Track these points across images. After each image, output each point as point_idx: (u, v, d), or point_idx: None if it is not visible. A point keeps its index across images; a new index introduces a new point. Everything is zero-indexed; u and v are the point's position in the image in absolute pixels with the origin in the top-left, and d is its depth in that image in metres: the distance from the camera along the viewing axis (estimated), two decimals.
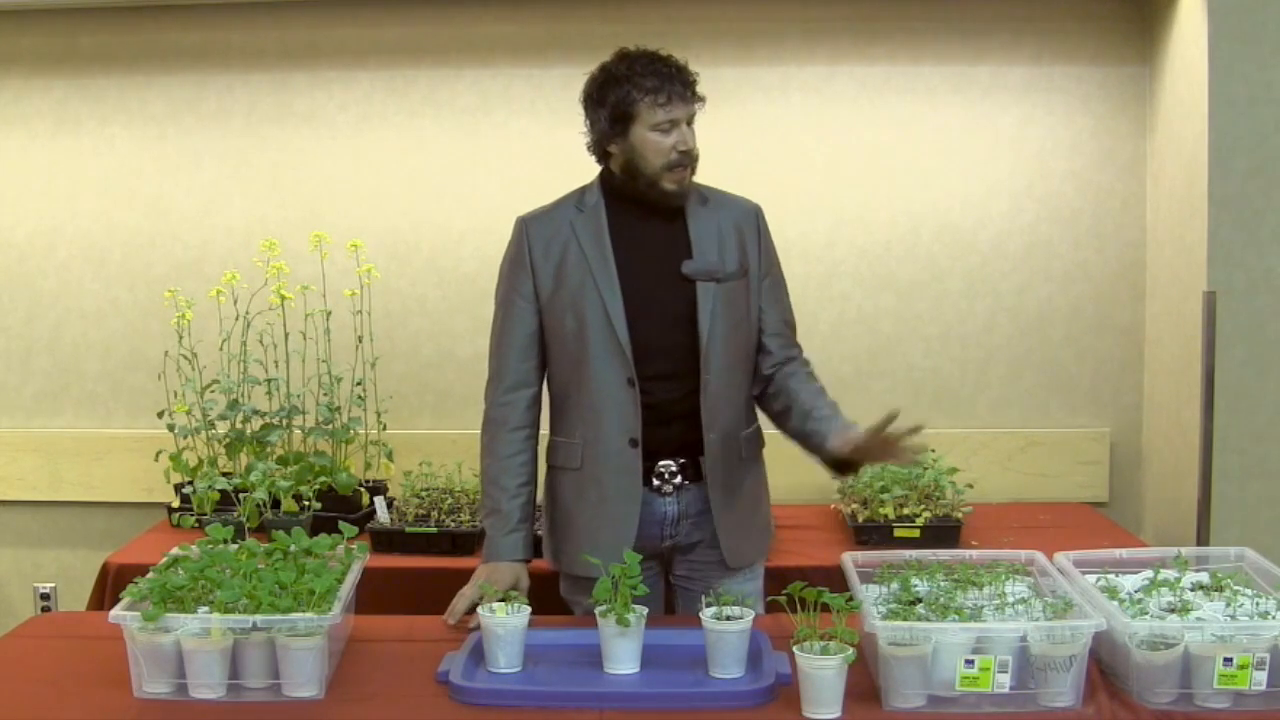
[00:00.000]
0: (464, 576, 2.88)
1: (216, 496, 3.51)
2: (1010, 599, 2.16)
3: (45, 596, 4.04)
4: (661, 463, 2.50)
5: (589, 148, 2.52)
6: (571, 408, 2.53)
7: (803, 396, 2.51)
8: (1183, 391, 3.44)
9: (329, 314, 3.69)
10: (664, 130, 2.41)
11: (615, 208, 2.50)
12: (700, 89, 2.46)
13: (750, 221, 2.56)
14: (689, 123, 2.44)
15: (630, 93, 2.40)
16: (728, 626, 2.12)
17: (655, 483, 2.50)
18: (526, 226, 2.54)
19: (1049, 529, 3.46)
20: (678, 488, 2.51)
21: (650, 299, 2.47)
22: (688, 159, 2.44)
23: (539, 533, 2.65)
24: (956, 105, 3.80)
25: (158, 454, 3.64)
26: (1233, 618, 2.07)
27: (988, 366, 3.88)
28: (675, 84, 2.41)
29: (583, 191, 2.55)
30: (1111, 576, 2.28)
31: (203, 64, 3.89)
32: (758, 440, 2.63)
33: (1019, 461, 3.84)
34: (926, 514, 3.32)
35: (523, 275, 2.53)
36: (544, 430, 2.64)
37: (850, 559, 2.34)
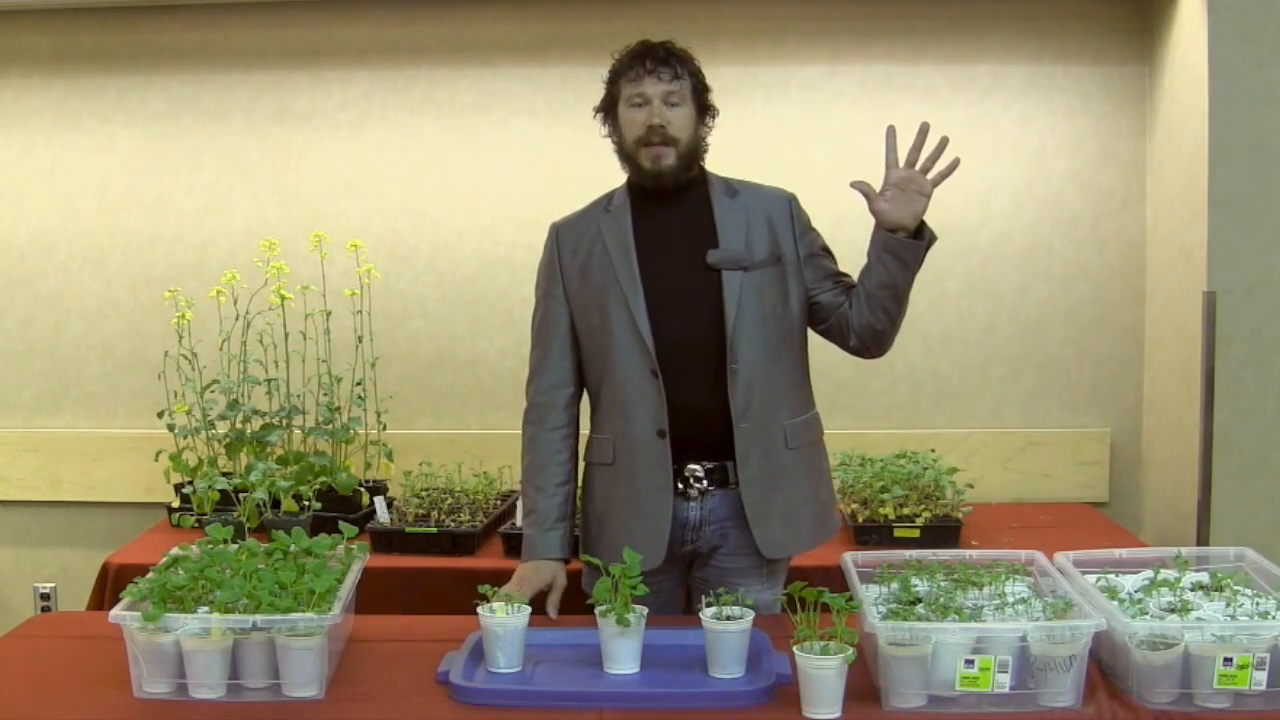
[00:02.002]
0: (464, 576, 2.89)
1: (216, 496, 3.51)
2: (1010, 599, 2.16)
3: (45, 596, 4.04)
4: (690, 466, 2.50)
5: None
6: (603, 403, 2.55)
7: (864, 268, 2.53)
8: (1183, 391, 3.44)
9: (329, 314, 3.69)
10: (636, 105, 2.46)
11: (640, 205, 2.53)
12: (687, 80, 2.47)
13: (782, 209, 2.56)
14: (666, 102, 2.44)
15: (615, 73, 2.50)
16: (727, 626, 2.12)
17: (680, 486, 2.50)
18: (557, 232, 2.60)
19: (1049, 529, 3.46)
20: (703, 493, 2.51)
21: (673, 291, 2.48)
22: (656, 135, 2.44)
23: (578, 533, 2.65)
24: (957, 105, 3.80)
25: (158, 454, 3.64)
26: (1233, 618, 2.07)
27: (988, 367, 3.88)
28: (646, 61, 2.45)
29: (611, 194, 2.59)
30: (1111, 576, 2.28)
31: (203, 64, 3.89)
32: (809, 429, 2.59)
33: (1019, 461, 3.84)
34: (926, 514, 3.32)
35: (554, 279, 2.57)
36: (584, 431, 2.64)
37: (850, 559, 2.34)
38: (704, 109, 2.53)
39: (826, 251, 2.62)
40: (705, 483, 2.50)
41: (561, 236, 2.58)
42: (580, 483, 2.63)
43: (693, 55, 2.52)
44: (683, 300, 2.48)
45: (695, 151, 2.51)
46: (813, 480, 2.60)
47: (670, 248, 2.50)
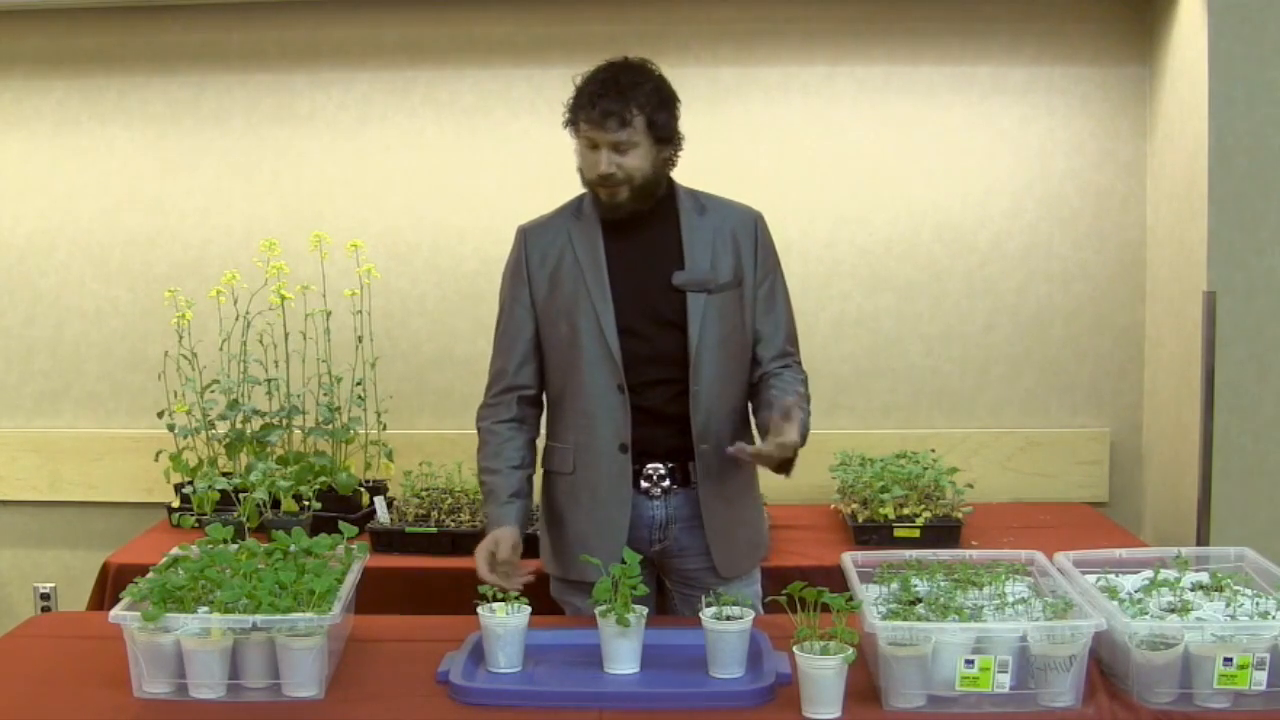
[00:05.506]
0: (464, 576, 2.88)
1: (216, 496, 3.51)
2: (1010, 599, 2.16)
3: (45, 596, 4.04)
4: (650, 465, 2.50)
5: None
6: (565, 413, 2.55)
7: (772, 393, 2.47)
8: (1183, 391, 3.44)
9: (329, 314, 3.69)
10: (589, 147, 2.42)
11: (610, 215, 2.51)
12: (638, 121, 2.38)
13: (748, 229, 2.54)
14: (616, 149, 2.38)
15: (574, 101, 2.44)
16: (728, 626, 2.12)
17: (643, 485, 2.50)
18: (525, 236, 2.57)
19: (1049, 529, 3.46)
20: (666, 491, 2.51)
21: (641, 307, 2.48)
22: (602, 182, 2.41)
23: (534, 531, 2.65)
24: (957, 105, 3.80)
25: (158, 454, 3.64)
26: (1233, 618, 2.07)
27: (988, 366, 3.87)
28: (596, 109, 2.37)
29: (581, 199, 2.56)
30: (1111, 576, 2.28)
31: (203, 64, 3.89)
32: None
33: (1019, 461, 3.84)
34: (926, 514, 3.32)
35: (520, 284, 2.55)
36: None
37: (850, 559, 2.34)
38: (663, 139, 2.44)
39: (781, 288, 2.57)
40: (668, 481, 2.50)
41: (530, 241, 2.56)
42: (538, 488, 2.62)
43: (652, 77, 2.43)
44: (650, 318, 2.48)
45: (654, 183, 2.46)
46: (753, 500, 2.64)
47: (639, 263, 2.49)
